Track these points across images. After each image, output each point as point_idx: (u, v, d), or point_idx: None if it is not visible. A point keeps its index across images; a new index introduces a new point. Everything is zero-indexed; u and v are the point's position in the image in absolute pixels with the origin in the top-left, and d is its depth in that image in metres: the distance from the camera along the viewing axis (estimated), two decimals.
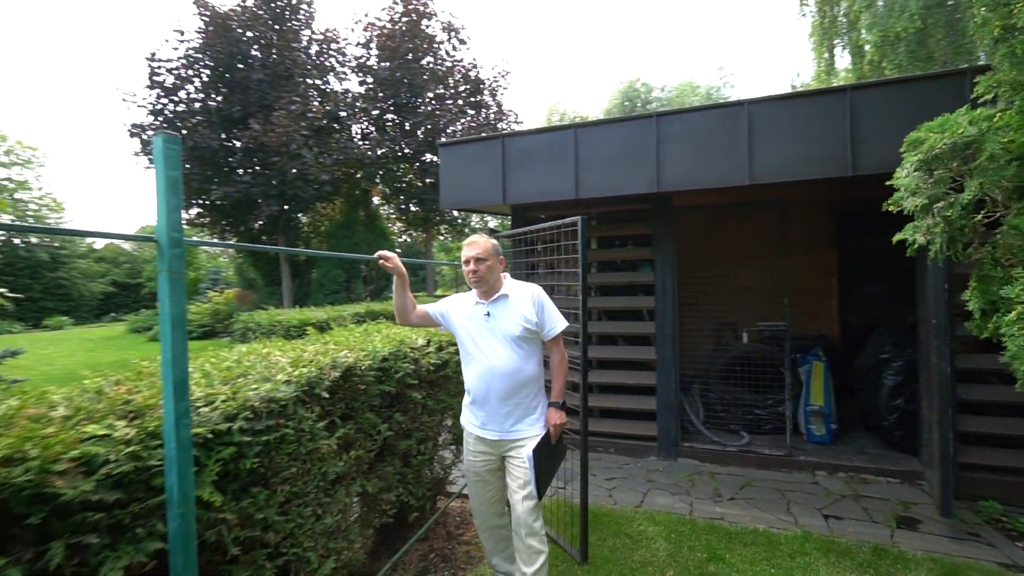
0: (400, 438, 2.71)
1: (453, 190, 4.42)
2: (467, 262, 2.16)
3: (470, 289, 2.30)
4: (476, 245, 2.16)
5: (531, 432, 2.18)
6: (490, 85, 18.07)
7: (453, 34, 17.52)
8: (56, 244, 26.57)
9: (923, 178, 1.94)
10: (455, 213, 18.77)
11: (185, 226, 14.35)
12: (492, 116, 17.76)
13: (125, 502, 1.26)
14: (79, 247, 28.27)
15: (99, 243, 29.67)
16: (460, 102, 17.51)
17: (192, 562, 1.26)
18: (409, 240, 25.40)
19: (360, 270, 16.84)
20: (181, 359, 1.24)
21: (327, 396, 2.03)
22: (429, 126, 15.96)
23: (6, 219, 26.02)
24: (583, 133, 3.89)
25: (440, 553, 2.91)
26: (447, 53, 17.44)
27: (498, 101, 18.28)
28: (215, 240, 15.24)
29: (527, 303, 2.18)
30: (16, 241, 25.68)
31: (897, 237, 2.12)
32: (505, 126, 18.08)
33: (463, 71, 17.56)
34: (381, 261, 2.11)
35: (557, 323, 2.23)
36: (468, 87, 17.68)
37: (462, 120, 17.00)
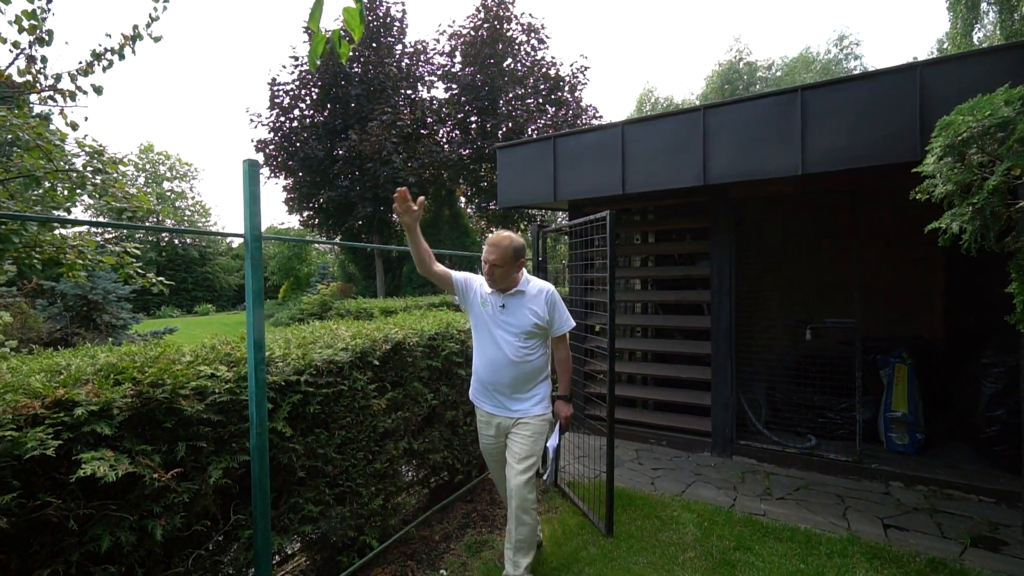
0: (447, 408, 3.11)
1: (509, 189, 4.74)
2: (485, 262, 2.26)
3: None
4: (496, 249, 2.22)
5: (533, 412, 2.33)
6: (569, 82, 18.13)
7: (533, 34, 17.85)
8: (204, 244, 31.63)
9: (951, 164, 1.86)
10: (534, 211, 19.18)
11: (299, 226, 16.34)
12: (571, 113, 17.82)
13: (225, 423, 1.77)
14: (220, 246, 33.37)
15: (235, 242, 34.74)
16: (540, 100, 17.81)
17: (265, 469, 1.73)
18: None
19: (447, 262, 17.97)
20: (259, 322, 1.71)
21: (377, 364, 2.47)
22: (510, 125, 16.52)
23: (169, 223, 31.52)
24: (630, 130, 3.98)
25: (482, 514, 3.27)
26: (526, 54, 17.83)
27: (577, 97, 18.28)
28: (312, 238, 17.25)
29: (540, 301, 2.30)
30: (176, 242, 31.02)
31: (930, 226, 2.03)
32: (584, 122, 18.05)
33: (542, 69, 17.83)
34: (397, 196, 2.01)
35: (565, 323, 2.36)
36: (547, 85, 17.91)
37: (541, 119, 17.30)
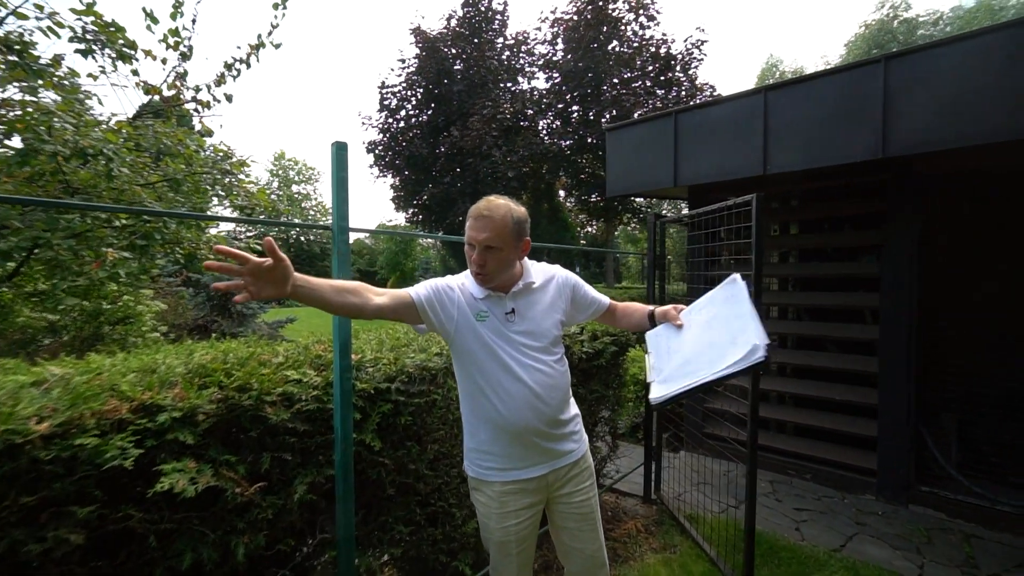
0: None
1: (620, 176, 4.22)
2: (473, 244, 1.44)
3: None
4: (488, 223, 1.40)
5: (583, 447, 1.65)
6: (682, 59, 16.67)
7: (641, 11, 16.71)
8: (324, 240, 35.16)
9: None
10: (639, 201, 18.10)
11: (405, 223, 17.26)
12: (684, 94, 16.37)
13: (311, 433, 1.59)
14: None
15: (351, 237, 38.26)
16: (648, 83, 16.63)
17: (350, 488, 1.53)
18: (593, 231, 25.60)
19: (545, 259, 17.78)
20: (345, 324, 1.50)
21: None
22: (615, 112, 15.67)
23: (296, 221, 35.59)
24: (775, 97, 3.23)
25: None
26: (633, 33, 16.75)
27: (691, 76, 16.75)
28: (420, 231, 18.04)
29: (555, 290, 1.63)
30: (301, 239, 34.92)
31: None
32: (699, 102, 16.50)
33: (652, 49, 16.62)
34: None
35: (599, 296, 1.75)
36: (657, 65, 16.65)
37: (650, 102, 16.14)
